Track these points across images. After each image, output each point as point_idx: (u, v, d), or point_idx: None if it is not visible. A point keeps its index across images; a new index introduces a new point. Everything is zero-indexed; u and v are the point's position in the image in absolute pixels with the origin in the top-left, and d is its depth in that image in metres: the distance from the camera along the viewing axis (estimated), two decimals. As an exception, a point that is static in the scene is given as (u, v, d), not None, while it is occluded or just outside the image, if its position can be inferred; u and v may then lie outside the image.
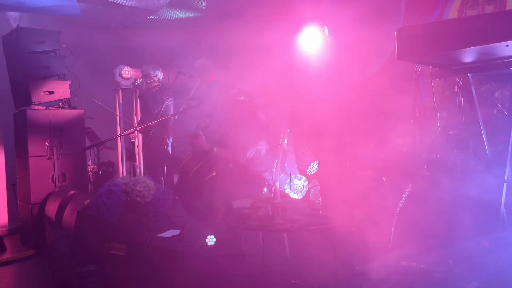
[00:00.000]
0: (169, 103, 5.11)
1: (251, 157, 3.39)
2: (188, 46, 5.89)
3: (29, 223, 4.57)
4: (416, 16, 4.09)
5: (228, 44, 5.42)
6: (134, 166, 4.11)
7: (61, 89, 4.83)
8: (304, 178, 3.41)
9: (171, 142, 5.25)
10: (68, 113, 4.89)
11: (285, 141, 3.47)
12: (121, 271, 2.87)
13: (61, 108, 4.88)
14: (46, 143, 4.62)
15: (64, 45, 4.97)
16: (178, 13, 5.99)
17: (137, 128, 3.90)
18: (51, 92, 4.75)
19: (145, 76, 5.39)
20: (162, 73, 5.43)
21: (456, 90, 3.43)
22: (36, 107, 4.64)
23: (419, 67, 2.68)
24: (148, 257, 2.78)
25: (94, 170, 5.19)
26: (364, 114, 4.26)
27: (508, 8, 3.60)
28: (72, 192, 4.31)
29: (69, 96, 4.93)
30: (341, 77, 4.47)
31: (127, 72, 6.12)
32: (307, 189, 3.28)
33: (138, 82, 5.54)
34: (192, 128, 3.62)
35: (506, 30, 1.94)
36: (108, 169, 5.35)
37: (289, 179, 3.39)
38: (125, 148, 6.25)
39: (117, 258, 2.88)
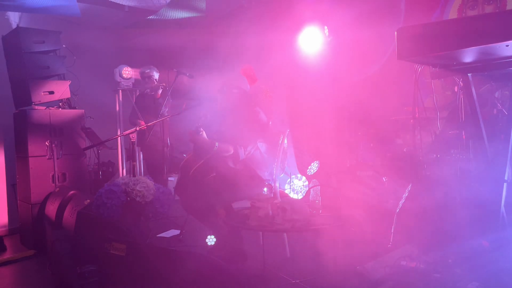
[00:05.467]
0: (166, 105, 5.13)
1: (251, 156, 3.38)
2: (188, 46, 5.90)
3: (29, 223, 4.57)
4: (416, 16, 4.09)
5: (228, 44, 5.43)
6: (134, 166, 4.11)
7: (61, 89, 4.83)
8: (304, 178, 3.41)
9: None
10: (68, 113, 4.89)
11: (285, 141, 3.47)
12: (121, 271, 2.87)
13: (61, 108, 4.88)
14: (46, 143, 4.61)
15: (64, 45, 4.97)
16: (178, 13, 5.99)
17: (137, 128, 3.90)
18: (51, 92, 4.75)
19: (147, 77, 5.41)
20: (158, 73, 5.48)
21: (456, 90, 3.43)
22: (36, 107, 4.64)
23: (419, 67, 2.68)
24: (148, 257, 2.78)
25: (94, 170, 5.19)
26: (364, 114, 4.26)
27: (508, 8, 3.60)
28: (72, 192, 4.31)
29: (69, 96, 4.92)
30: (341, 77, 4.47)
31: (127, 72, 6.13)
32: (307, 189, 3.28)
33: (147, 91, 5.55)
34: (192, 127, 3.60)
35: (506, 30, 1.94)
36: (108, 169, 5.34)
37: (289, 179, 3.39)
38: (125, 148, 6.26)
39: (117, 258, 2.88)
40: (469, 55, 2.27)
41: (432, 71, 2.77)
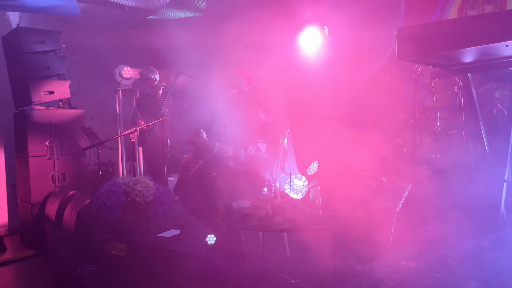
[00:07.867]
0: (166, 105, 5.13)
1: (252, 156, 3.39)
2: (188, 46, 5.89)
3: (29, 223, 4.57)
4: (416, 16, 4.09)
5: (228, 44, 5.42)
6: (134, 166, 4.11)
7: (61, 89, 4.83)
8: (304, 178, 3.40)
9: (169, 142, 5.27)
10: (68, 113, 4.89)
11: (285, 141, 3.47)
12: (121, 271, 2.87)
13: (61, 108, 4.88)
14: (46, 143, 4.62)
15: (64, 45, 4.97)
16: (178, 13, 6.00)
17: (137, 128, 3.90)
18: (51, 92, 4.75)
19: (144, 79, 5.43)
20: (158, 74, 5.49)
21: (456, 90, 3.43)
22: (36, 107, 4.64)
23: (419, 67, 2.68)
24: (148, 257, 2.78)
25: (94, 170, 5.20)
26: (364, 114, 4.26)
27: (508, 8, 3.61)
28: (72, 192, 4.31)
29: (69, 96, 4.93)
30: (341, 77, 4.47)
31: (127, 72, 6.13)
32: (307, 189, 3.27)
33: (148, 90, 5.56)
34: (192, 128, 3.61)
35: (506, 30, 1.94)
36: (108, 169, 5.34)
37: (289, 179, 3.38)
38: (125, 148, 6.26)
39: (117, 258, 2.88)
40: (469, 55, 2.27)
41: (432, 71, 2.77)
